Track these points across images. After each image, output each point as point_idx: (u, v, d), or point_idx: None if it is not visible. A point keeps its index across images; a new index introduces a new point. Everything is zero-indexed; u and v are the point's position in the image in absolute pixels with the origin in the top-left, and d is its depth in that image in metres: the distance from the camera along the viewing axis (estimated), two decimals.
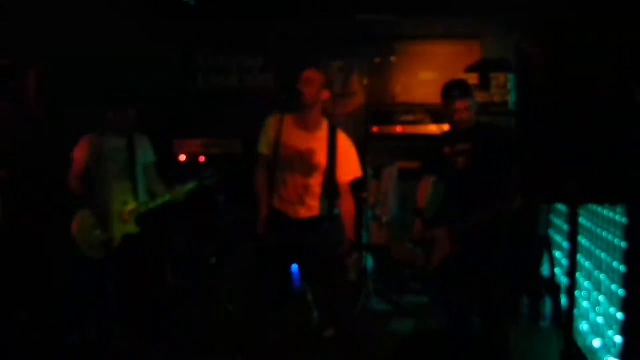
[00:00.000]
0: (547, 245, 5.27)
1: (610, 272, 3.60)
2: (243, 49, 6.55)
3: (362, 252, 5.50)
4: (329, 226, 3.78)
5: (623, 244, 3.36)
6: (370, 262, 5.58)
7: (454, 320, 3.90)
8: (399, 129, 5.92)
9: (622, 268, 3.36)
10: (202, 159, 5.95)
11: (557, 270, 5.06)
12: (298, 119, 3.74)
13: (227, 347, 4.33)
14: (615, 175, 2.50)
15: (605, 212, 3.70)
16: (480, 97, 5.40)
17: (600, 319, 3.79)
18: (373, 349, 4.41)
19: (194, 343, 4.53)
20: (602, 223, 3.78)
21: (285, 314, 3.98)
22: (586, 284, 4.17)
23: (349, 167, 3.79)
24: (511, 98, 5.83)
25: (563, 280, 4.95)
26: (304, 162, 3.72)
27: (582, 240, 4.18)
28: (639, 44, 2.39)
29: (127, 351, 4.27)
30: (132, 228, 4.40)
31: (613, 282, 3.54)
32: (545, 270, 5.19)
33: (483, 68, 5.97)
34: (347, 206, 3.83)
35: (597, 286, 3.87)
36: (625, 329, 3.32)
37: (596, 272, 3.91)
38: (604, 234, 3.73)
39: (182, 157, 5.96)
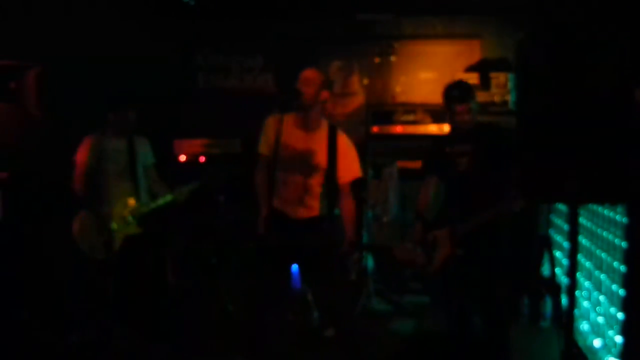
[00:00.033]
0: (548, 245, 5.27)
1: (610, 271, 3.60)
2: (243, 49, 6.55)
3: (362, 252, 5.50)
4: (329, 226, 3.78)
5: (623, 244, 3.36)
6: (370, 262, 5.58)
7: (455, 321, 3.90)
8: (399, 128, 5.92)
9: (623, 268, 3.36)
10: (202, 159, 5.95)
11: (558, 270, 5.06)
12: (298, 119, 3.74)
13: (227, 347, 4.33)
14: (615, 175, 2.50)
15: (606, 211, 3.70)
16: (480, 96, 5.39)
17: (600, 319, 3.79)
18: (373, 349, 4.41)
19: (194, 343, 4.53)
20: (603, 223, 3.77)
21: (285, 314, 3.98)
22: (586, 283, 4.16)
23: (349, 167, 3.79)
24: (511, 98, 5.83)
25: (563, 280, 4.95)
26: (303, 162, 3.72)
27: (583, 240, 4.18)
28: (639, 43, 2.39)
29: (127, 351, 4.27)
30: (133, 229, 4.40)
31: (613, 282, 3.54)
32: (545, 270, 5.19)
33: (483, 68, 5.97)
34: (347, 206, 3.82)
35: (598, 286, 3.86)
36: (625, 329, 3.32)
37: (596, 272, 3.90)
38: (604, 233, 3.73)
39: (182, 158, 5.96)
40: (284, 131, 3.70)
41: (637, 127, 2.42)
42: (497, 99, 5.84)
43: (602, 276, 3.77)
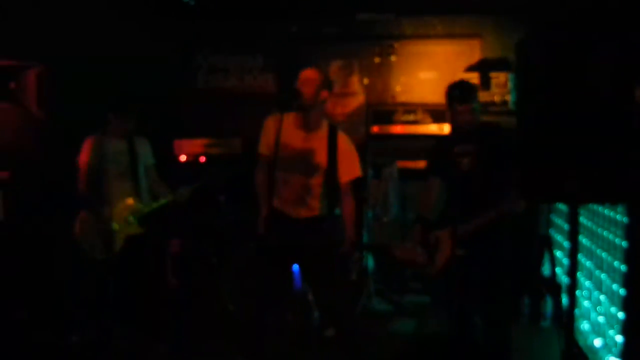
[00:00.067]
0: (548, 244, 5.26)
1: (611, 271, 3.60)
2: (243, 49, 6.55)
3: (362, 252, 5.50)
4: (329, 226, 3.78)
5: (624, 243, 3.36)
6: (370, 262, 5.58)
7: (455, 321, 3.89)
8: (399, 128, 5.92)
9: (623, 267, 3.36)
10: (202, 159, 5.95)
11: (558, 270, 5.06)
12: (298, 119, 3.74)
13: (227, 347, 4.33)
14: (616, 175, 2.50)
15: (606, 211, 3.69)
16: (480, 96, 5.39)
17: (601, 319, 3.79)
18: (374, 349, 4.42)
19: (194, 343, 4.53)
20: (603, 222, 3.77)
21: (285, 314, 3.98)
22: (587, 283, 4.16)
23: (349, 166, 3.78)
24: (511, 98, 5.83)
25: (564, 279, 4.95)
26: (304, 162, 3.72)
27: (583, 240, 4.18)
28: (639, 43, 2.39)
29: (127, 351, 4.27)
30: (135, 229, 4.41)
31: (614, 281, 3.53)
32: (546, 269, 5.19)
33: (483, 67, 5.97)
34: (347, 206, 3.82)
35: (598, 285, 3.86)
36: (626, 329, 3.32)
37: (597, 272, 3.90)
38: (605, 233, 3.72)
39: (183, 158, 5.96)
40: (284, 131, 3.69)
41: (638, 127, 2.42)
42: (497, 99, 5.84)
43: (603, 276, 3.77)
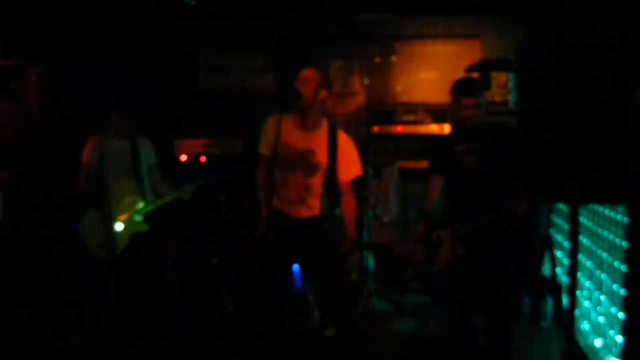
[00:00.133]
0: (548, 244, 5.26)
1: (611, 271, 3.60)
2: (244, 49, 6.55)
3: (363, 252, 5.50)
4: (330, 225, 3.78)
5: (624, 244, 3.36)
6: (371, 262, 5.58)
7: (456, 321, 3.89)
8: (399, 128, 5.92)
9: (623, 267, 3.36)
10: (203, 158, 5.96)
11: (558, 270, 5.05)
12: (297, 119, 3.74)
13: (227, 347, 4.33)
14: (616, 175, 2.50)
15: (606, 211, 3.69)
16: None
17: (601, 319, 3.79)
18: (374, 349, 4.42)
19: (194, 343, 4.54)
20: (603, 222, 3.77)
21: (286, 313, 3.98)
22: (587, 283, 4.16)
23: (350, 165, 3.79)
24: (512, 97, 5.83)
25: (564, 279, 4.94)
26: (304, 162, 3.72)
27: (583, 240, 4.18)
28: (639, 44, 2.38)
29: (127, 351, 4.27)
30: (140, 227, 4.43)
31: (614, 281, 3.53)
32: (546, 269, 5.19)
33: (483, 67, 5.96)
34: (348, 205, 3.82)
35: (598, 286, 3.86)
36: (626, 329, 3.31)
37: (597, 272, 3.90)
38: (605, 233, 3.72)
39: (183, 157, 5.97)
40: (284, 131, 3.70)
41: (638, 127, 2.41)
42: (497, 98, 5.84)
43: (603, 276, 3.76)
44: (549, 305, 4.92)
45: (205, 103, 6.49)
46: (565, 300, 4.69)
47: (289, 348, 3.96)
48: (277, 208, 3.75)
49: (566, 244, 4.88)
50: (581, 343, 4.13)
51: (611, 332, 3.56)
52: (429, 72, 6.28)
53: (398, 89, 6.36)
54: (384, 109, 6.07)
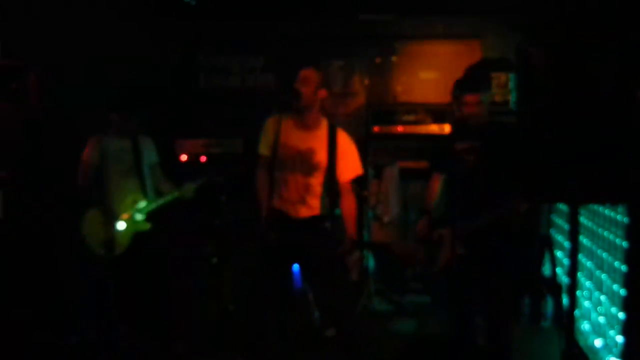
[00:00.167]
0: (549, 244, 5.26)
1: (611, 271, 3.60)
2: (244, 49, 6.55)
3: (363, 251, 5.50)
4: (330, 225, 3.78)
5: (624, 244, 3.36)
6: (371, 262, 5.58)
7: (456, 321, 3.88)
8: (400, 128, 5.91)
9: (623, 267, 3.36)
10: (203, 158, 5.96)
11: (559, 270, 5.05)
12: (297, 119, 3.74)
13: (227, 347, 4.33)
14: (616, 175, 2.50)
15: (607, 211, 3.69)
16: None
17: (601, 319, 3.79)
18: (374, 349, 4.41)
19: (194, 343, 4.53)
20: (603, 222, 3.77)
21: (286, 313, 3.98)
22: (587, 283, 4.16)
23: (350, 165, 3.79)
24: (512, 98, 5.82)
25: (564, 279, 4.94)
26: (304, 162, 3.72)
27: (583, 240, 4.18)
28: (639, 44, 2.39)
29: (127, 351, 4.27)
30: (143, 225, 4.42)
31: (614, 281, 3.53)
32: (546, 269, 5.19)
33: (483, 67, 5.95)
34: (348, 205, 3.82)
35: (599, 286, 3.86)
36: (626, 329, 3.32)
37: (597, 272, 3.90)
38: (605, 233, 3.72)
39: (184, 157, 5.97)
40: (284, 131, 3.70)
41: (638, 127, 2.41)
42: (498, 98, 5.82)
43: (603, 276, 3.76)
44: (549, 305, 4.92)
45: (205, 103, 6.49)
46: (565, 300, 4.69)
47: (289, 348, 3.96)
48: (277, 208, 3.75)
49: (566, 244, 4.88)
50: (581, 343, 4.13)
51: (611, 332, 3.56)
52: (429, 72, 6.27)
53: (398, 89, 6.35)
54: (384, 109, 6.07)
